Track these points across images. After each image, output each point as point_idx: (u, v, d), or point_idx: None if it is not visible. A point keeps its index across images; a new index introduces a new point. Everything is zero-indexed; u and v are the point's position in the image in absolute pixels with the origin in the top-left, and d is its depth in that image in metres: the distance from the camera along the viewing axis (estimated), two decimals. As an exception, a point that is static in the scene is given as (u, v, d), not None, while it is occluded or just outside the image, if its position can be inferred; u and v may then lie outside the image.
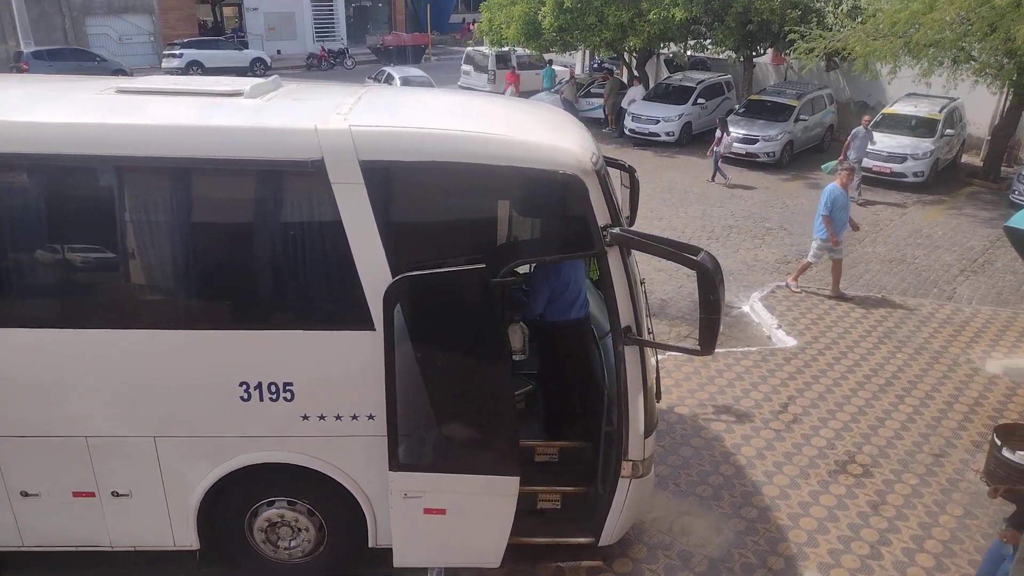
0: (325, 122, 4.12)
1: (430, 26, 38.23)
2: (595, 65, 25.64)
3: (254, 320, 4.41)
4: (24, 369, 4.29)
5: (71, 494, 4.61)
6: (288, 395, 4.38)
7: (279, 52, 33.55)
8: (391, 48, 34.83)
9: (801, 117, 17.90)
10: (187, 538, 4.83)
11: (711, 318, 4.11)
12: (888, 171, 15.76)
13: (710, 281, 4.01)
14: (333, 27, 36.73)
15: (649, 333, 4.82)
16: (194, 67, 27.63)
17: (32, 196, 4.16)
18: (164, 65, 28.08)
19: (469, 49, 26.19)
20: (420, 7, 39.75)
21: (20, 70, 23.77)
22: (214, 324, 4.36)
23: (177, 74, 26.87)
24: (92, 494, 4.61)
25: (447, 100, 5.54)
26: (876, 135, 15.60)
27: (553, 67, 24.40)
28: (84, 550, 4.89)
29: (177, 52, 27.87)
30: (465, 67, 25.96)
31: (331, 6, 36.78)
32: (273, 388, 4.37)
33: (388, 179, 4.16)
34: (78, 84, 5.05)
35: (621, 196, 5.94)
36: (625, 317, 4.36)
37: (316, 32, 36.12)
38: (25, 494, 4.59)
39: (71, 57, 25.82)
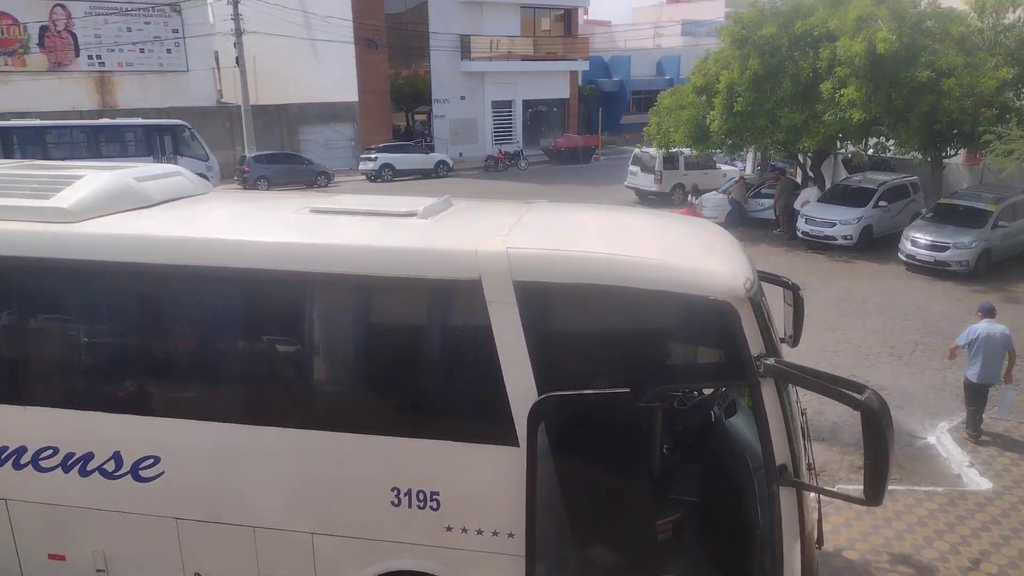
0: (485, 244, 4.39)
1: (601, 128, 39.58)
2: (768, 166, 25.13)
3: (408, 428, 4.64)
4: (202, 458, 4.77)
5: (235, 579, 4.97)
6: (435, 504, 4.53)
7: (461, 154, 36.17)
8: (563, 149, 36.41)
9: (1000, 223, 16.35)
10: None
11: (879, 465, 3.78)
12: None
13: (876, 424, 3.72)
14: (510, 131, 39.22)
15: (810, 469, 4.50)
16: (387, 169, 30.41)
17: (231, 305, 4.72)
18: (360, 167, 31.17)
19: (637, 150, 26.59)
20: (593, 110, 41.43)
21: (243, 171, 27.43)
22: (373, 429, 4.62)
23: (372, 175, 30.12)
24: (253, 581, 4.94)
25: (605, 219, 5.67)
26: None
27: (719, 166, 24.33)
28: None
29: (372, 156, 30.86)
30: (632, 167, 26.42)
31: (510, 112, 39.36)
32: (421, 496, 4.54)
33: (539, 299, 4.32)
34: (278, 203, 5.75)
35: (784, 315, 5.70)
36: (780, 454, 4.12)
37: (495, 136, 38.65)
38: (197, 575, 5.01)
39: (284, 160, 29.45)
